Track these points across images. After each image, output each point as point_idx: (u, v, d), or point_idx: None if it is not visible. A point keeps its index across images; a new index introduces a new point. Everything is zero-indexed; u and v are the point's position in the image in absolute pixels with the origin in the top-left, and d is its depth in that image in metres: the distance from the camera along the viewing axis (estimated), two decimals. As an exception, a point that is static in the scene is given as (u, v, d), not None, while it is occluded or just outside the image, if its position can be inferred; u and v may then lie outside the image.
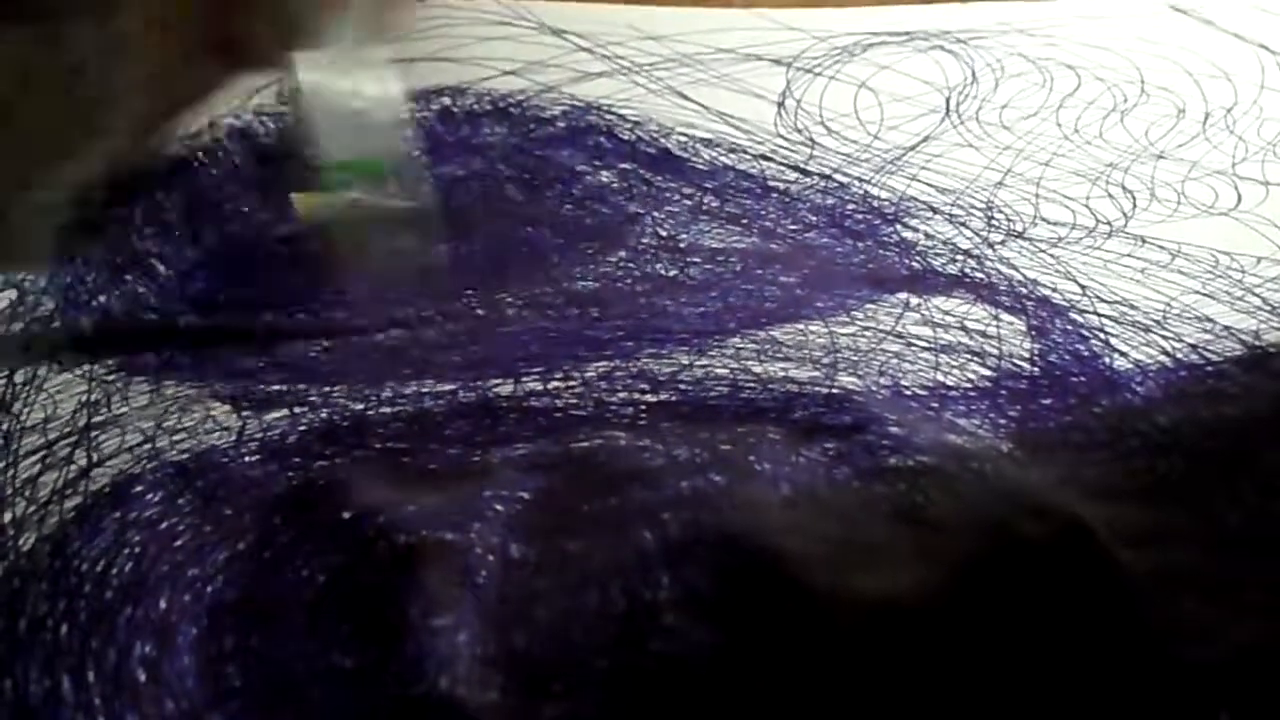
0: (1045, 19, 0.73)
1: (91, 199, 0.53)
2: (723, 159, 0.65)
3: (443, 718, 0.41)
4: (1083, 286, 0.58)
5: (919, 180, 0.63)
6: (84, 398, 0.52)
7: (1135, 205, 0.62)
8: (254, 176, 0.62)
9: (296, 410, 0.51)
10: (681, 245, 0.60)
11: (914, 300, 0.57)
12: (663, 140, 0.65)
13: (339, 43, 0.53)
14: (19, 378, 0.52)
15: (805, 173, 0.64)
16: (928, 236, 0.60)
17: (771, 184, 0.63)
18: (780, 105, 0.67)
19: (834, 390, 0.53)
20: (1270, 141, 0.65)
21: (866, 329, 0.56)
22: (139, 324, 0.55)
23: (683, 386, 0.53)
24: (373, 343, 0.55)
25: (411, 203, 0.55)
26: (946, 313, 0.57)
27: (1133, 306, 0.57)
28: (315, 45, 0.53)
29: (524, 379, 0.53)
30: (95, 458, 0.49)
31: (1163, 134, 0.66)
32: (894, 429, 0.51)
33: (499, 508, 0.47)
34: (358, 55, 0.53)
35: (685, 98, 0.68)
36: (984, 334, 0.56)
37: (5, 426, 0.50)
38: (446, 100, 0.66)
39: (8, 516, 0.47)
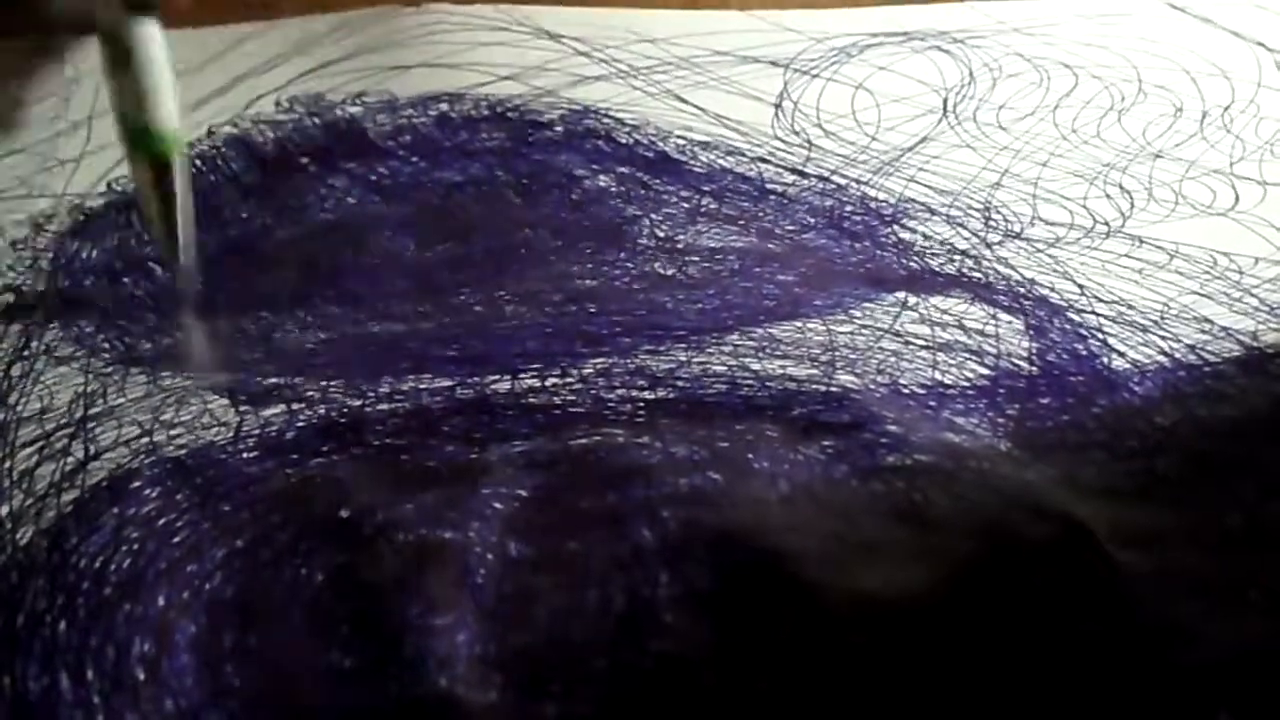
0: (1042, 18, 0.73)
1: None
2: (721, 161, 0.65)
3: (442, 717, 0.41)
4: (1080, 286, 0.58)
5: (917, 181, 0.63)
6: (80, 389, 0.52)
7: (1133, 205, 0.62)
8: (252, 184, 0.62)
9: (294, 406, 0.52)
10: (679, 246, 0.60)
11: (912, 299, 0.57)
12: (660, 143, 0.65)
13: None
14: (16, 370, 0.52)
15: (803, 174, 0.64)
16: (925, 237, 0.60)
17: (769, 186, 0.63)
18: (778, 107, 0.67)
19: (832, 388, 0.53)
20: (1268, 141, 0.65)
21: (864, 327, 0.56)
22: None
23: (681, 384, 0.53)
24: (370, 336, 0.55)
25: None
26: (944, 312, 0.57)
27: (1130, 306, 0.57)
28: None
29: (522, 376, 0.53)
30: (92, 450, 0.49)
31: (1160, 133, 0.66)
32: (892, 427, 0.51)
33: (497, 506, 0.47)
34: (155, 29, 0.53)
35: (683, 101, 0.68)
36: (982, 333, 0.56)
37: (1, 417, 0.50)
38: (444, 106, 0.66)
39: (4, 510, 0.47)
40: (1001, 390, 0.53)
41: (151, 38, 0.52)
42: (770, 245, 0.60)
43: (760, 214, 0.62)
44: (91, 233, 0.59)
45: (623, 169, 0.64)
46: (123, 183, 0.61)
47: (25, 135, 0.64)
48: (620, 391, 0.53)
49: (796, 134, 0.66)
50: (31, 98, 0.65)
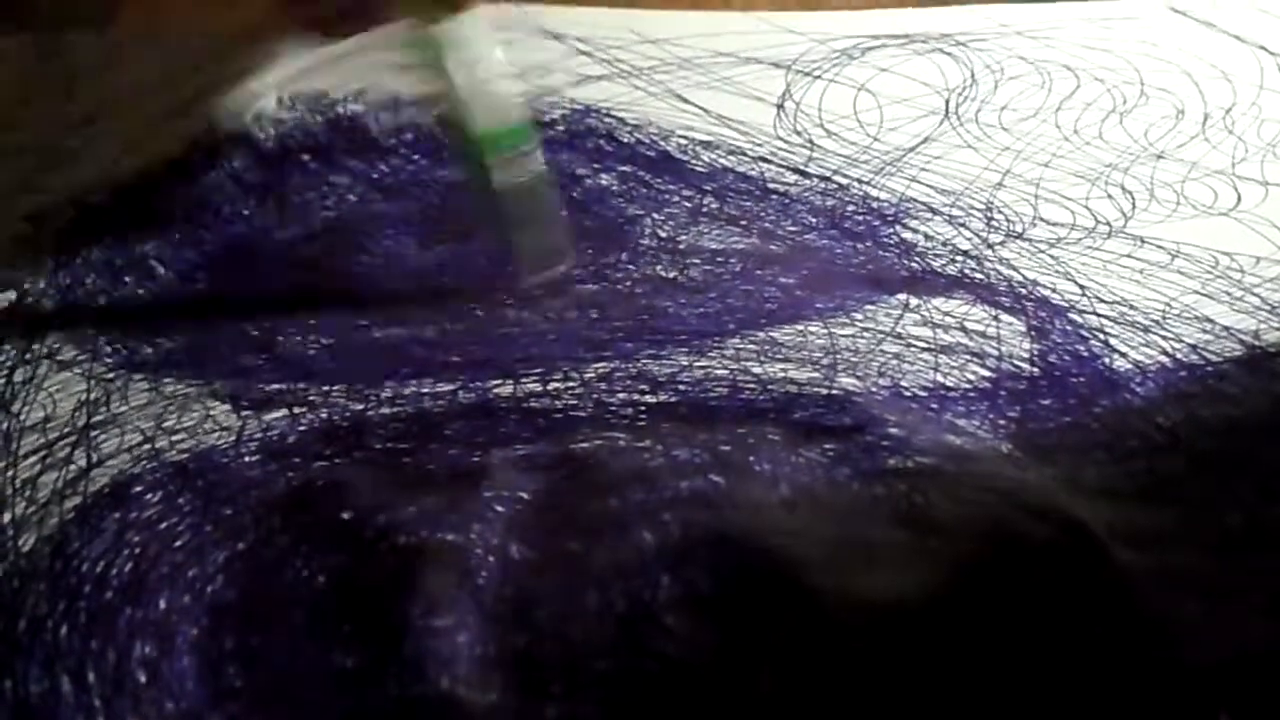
0: (1045, 21, 0.73)
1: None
2: (722, 161, 0.65)
3: (442, 718, 0.41)
4: (1082, 287, 0.58)
5: (918, 182, 0.63)
6: (83, 396, 0.52)
7: (1134, 206, 0.62)
8: (256, 180, 0.62)
9: (296, 410, 0.52)
10: (681, 247, 0.60)
11: (913, 301, 0.57)
12: (662, 143, 0.66)
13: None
14: (19, 376, 0.53)
15: (805, 175, 0.64)
16: (927, 238, 0.60)
17: (771, 186, 0.63)
18: (780, 108, 0.68)
19: (833, 391, 0.53)
20: (1269, 142, 0.65)
21: (866, 330, 0.56)
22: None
23: (682, 387, 0.53)
24: (372, 340, 0.55)
25: (544, 168, 0.56)
26: (946, 314, 0.57)
27: (1132, 307, 0.57)
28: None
29: (523, 380, 0.53)
30: (95, 458, 0.49)
31: (1162, 135, 0.66)
32: (893, 430, 0.51)
33: (499, 508, 0.47)
34: (474, 25, 0.54)
35: (685, 101, 0.68)
36: (983, 335, 0.56)
37: (5, 426, 0.51)
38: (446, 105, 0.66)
39: (7, 517, 0.47)
40: (1003, 392, 0.53)
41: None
42: (772, 246, 0.60)
43: (762, 214, 0.62)
44: (93, 229, 0.59)
45: (624, 168, 0.64)
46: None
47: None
48: (622, 395, 0.53)
49: (799, 134, 0.66)
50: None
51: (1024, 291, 0.58)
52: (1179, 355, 0.55)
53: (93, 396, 0.52)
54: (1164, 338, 0.55)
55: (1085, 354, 0.55)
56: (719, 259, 0.59)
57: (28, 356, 0.53)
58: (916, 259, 0.59)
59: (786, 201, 0.62)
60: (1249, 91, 0.68)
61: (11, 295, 0.56)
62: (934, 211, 0.62)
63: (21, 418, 0.51)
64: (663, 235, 0.60)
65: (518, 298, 0.57)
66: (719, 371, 0.54)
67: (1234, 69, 0.70)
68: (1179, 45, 0.71)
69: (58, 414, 0.51)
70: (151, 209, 0.61)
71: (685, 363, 0.54)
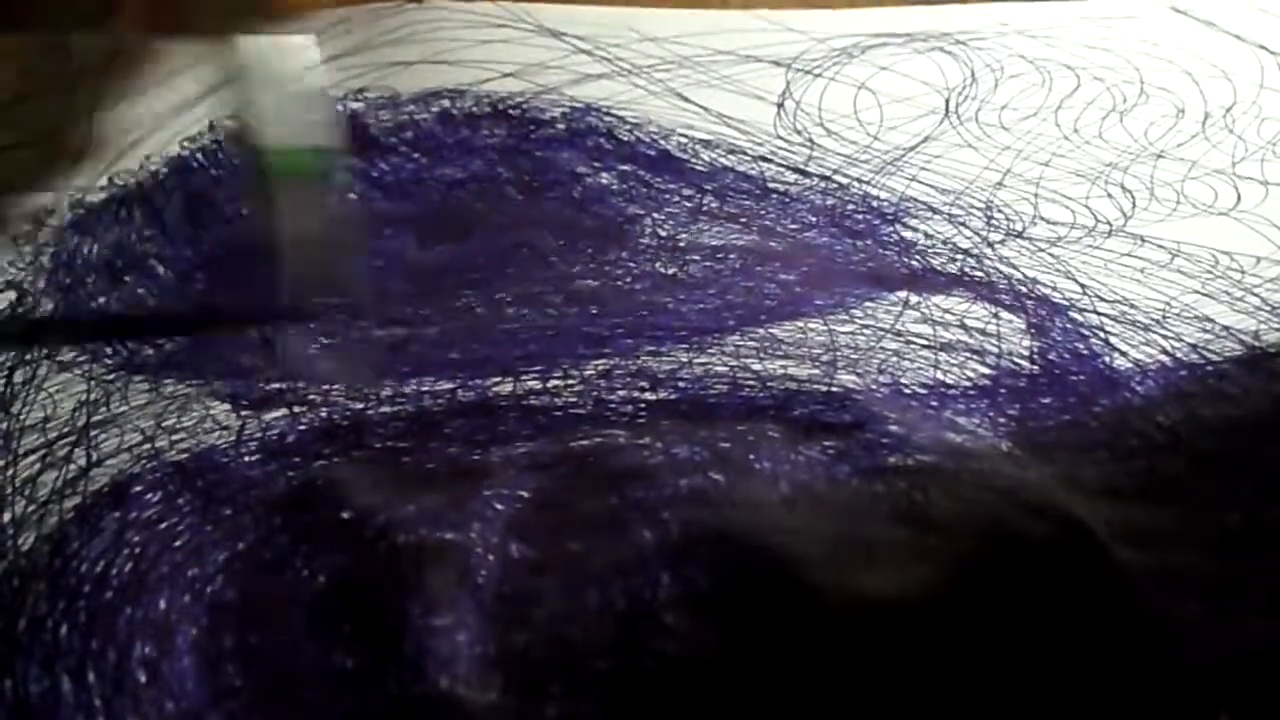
0: (1045, 20, 0.73)
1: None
2: (722, 160, 0.65)
3: (442, 718, 0.41)
4: (1082, 286, 0.58)
5: (918, 181, 0.63)
6: (83, 396, 0.52)
7: (1134, 205, 0.62)
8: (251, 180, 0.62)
9: (296, 410, 0.52)
10: (681, 245, 0.60)
11: (913, 299, 0.57)
12: (662, 142, 0.65)
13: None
14: (19, 376, 0.53)
15: (805, 174, 0.64)
16: (927, 236, 0.60)
17: (771, 185, 0.63)
18: (780, 107, 0.67)
19: (833, 388, 0.53)
20: (1270, 141, 0.65)
21: (866, 327, 0.56)
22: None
23: (682, 384, 0.53)
24: (372, 339, 0.55)
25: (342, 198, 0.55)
26: (946, 311, 0.57)
27: (1132, 306, 0.57)
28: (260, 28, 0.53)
29: (523, 377, 0.53)
30: (94, 457, 0.49)
31: (1162, 134, 0.66)
32: (893, 427, 0.51)
33: (498, 507, 0.47)
34: (289, 43, 0.53)
35: (685, 99, 0.68)
36: (983, 332, 0.56)
37: (5, 426, 0.51)
38: (445, 103, 0.66)
39: (7, 516, 0.47)
40: (1003, 390, 0.53)
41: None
42: (772, 244, 0.60)
43: (762, 212, 0.62)
44: (93, 228, 0.59)
45: (624, 167, 0.64)
46: (123, 178, 0.61)
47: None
48: (622, 393, 0.53)
49: (799, 133, 0.66)
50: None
51: (1024, 290, 0.58)
52: (1179, 354, 0.55)
53: (93, 397, 0.52)
54: (1164, 337, 0.56)
55: (1085, 352, 0.55)
56: (719, 255, 0.59)
57: (28, 358, 0.53)
58: (917, 257, 0.59)
59: (786, 200, 0.62)
60: (1249, 90, 0.68)
61: (11, 295, 0.56)
62: (934, 210, 0.62)
63: (22, 418, 0.51)
64: (663, 234, 0.60)
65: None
66: (719, 368, 0.54)
67: (1234, 68, 0.70)
68: (1179, 44, 0.71)
69: (57, 414, 0.51)
70: (153, 208, 0.61)
71: (685, 360, 0.54)
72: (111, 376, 0.53)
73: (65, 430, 0.51)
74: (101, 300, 0.56)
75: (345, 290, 0.56)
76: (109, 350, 0.54)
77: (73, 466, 0.49)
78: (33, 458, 0.49)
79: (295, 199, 0.52)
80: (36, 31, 0.69)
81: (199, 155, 0.63)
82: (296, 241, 0.52)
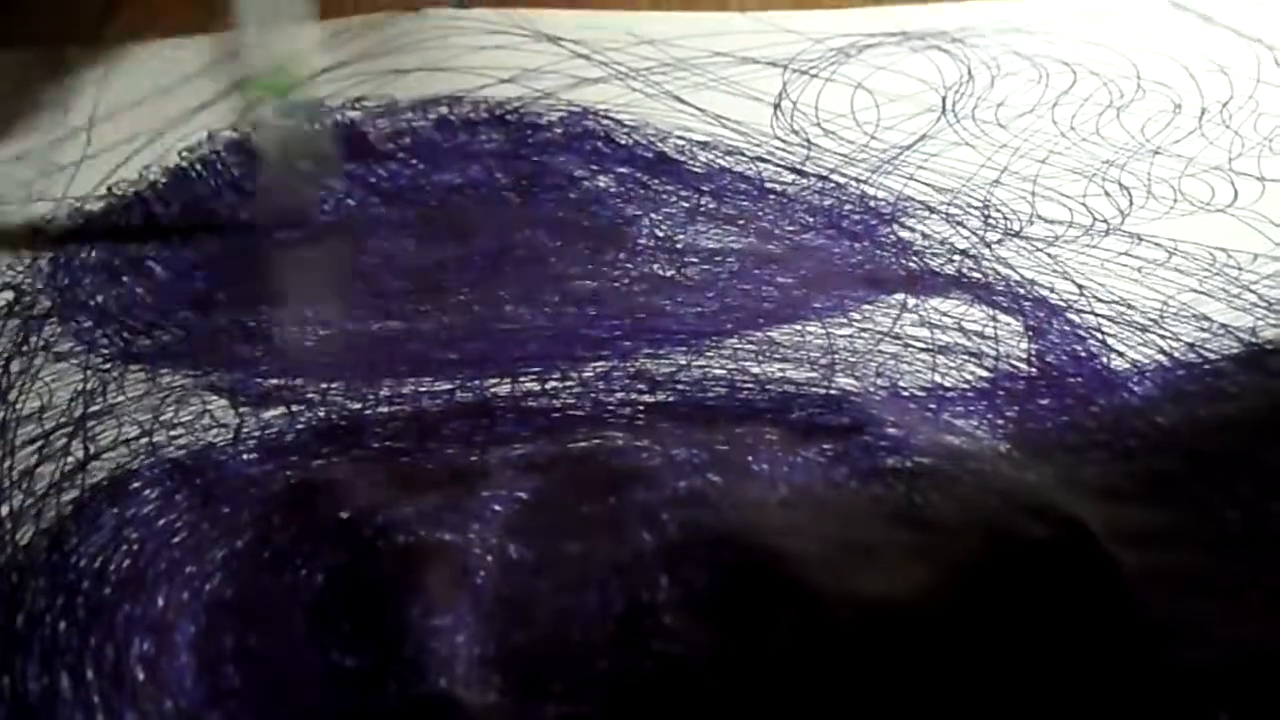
0: (1042, 17, 0.73)
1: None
2: (720, 161, 0.65)
3: (442, 718, 0.41)
4: (1080, 286, 0.58)
5: (916, 180, 0.63)
6: (79, 386, 0.52)
7: (1132, 202, 0.62)
8: (251, 188, 0.62)
9: (294, 408, 0.52)
10: (679, 246, 0.60)
11: (911, 301, 0.57)
12: (659, 144, 0.66)
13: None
14: (15, 366, 0.53)
15: (802, 174, 0.64)
16: (925, 236, 0.60)
17: (768, 185, 0.63)
18: (777, 107, 0.68)
19: (831, 391, 0.53)
20: (1266, 136, 0.65)
21: (864, 330, 0.56)
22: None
23: (680, 387, 0.53)
24: (370, 335, 0.55)
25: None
26: (944, 314, 0.57)
27: (1130, 305, 0.57)
28: None
29: (522, 379, 0.53)
30: (92, 449, 0.49)
31: (1159, 130, 0.66)
32: (891, 430, 0.51)
33: (497, 508, 0.47)
34: None
35: (682, 101, 0.68)
36: (981, 334, 0.56)
37: (1, 416, 0.51)
38: (444, 109, 0.67)
39: (5, 510, 0.47)
40: (1001, 392, 0.53)
41: None
42: (769, 246, 0.60)
43: (759, 213, 0.62)
44: (91, 234, 0.59)
45: (622, 169, 0.64)
46: (122, 187, 0.61)
47: (26, 141, 0.64)
48: (620, 394, 0.53)
49: (796, 133, 0.66)
50: (32, 104, 0.66)
51: (1022, 291, 0.58)
52: (1177, 354, 0.55)
53: (89, 387, 0.52)
54: (1162, 336, 0.56)
55: (1083, 353, 0.55)
56: (717, 258, 0.59)
57: (24, 348, 0.53)
58: (914, 258, 0.59)
59: (784, 201, 0.62)
60: (1246, 85, 0.68)
61: (10, 295, 0.56)
62: (931, 210, 0.62)
63: (18, 407, 0.51)
64: (660, 235, 0.60)
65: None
66: (717, 371, 0.54)
67: (1231, 63, 0.70)
68: (1176, 39, 0.71)
69: (54, 404, 0.51)
70: (150, 215, 0.61)
71: (683, 362, 0.54)
72: (108, 366, 0.53)
73: (62, 420, 0.51)
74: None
75: (310, 204, 0.60)
76: (105, 338, 0.54)
77: (70, 459, 0.49)
78: (30, 449, 0.49)
79: (276, 117, 0.57)
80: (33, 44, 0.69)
81: (198, 166, 0.63)
82: (274, 153, 0.58)
